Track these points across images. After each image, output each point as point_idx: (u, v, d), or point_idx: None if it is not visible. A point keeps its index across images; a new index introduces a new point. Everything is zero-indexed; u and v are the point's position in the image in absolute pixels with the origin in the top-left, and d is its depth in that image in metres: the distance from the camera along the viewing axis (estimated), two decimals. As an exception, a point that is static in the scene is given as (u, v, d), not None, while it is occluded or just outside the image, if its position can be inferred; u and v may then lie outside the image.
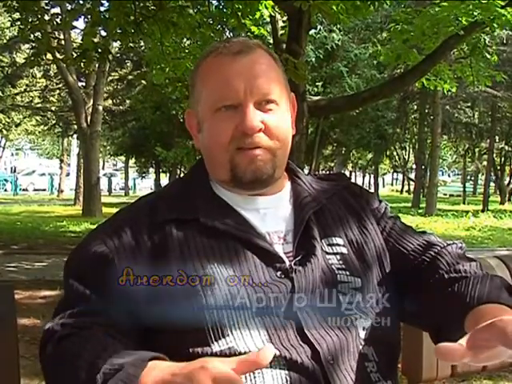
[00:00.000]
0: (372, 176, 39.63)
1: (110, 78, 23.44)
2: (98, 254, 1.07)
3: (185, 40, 8.97)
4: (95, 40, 7.83)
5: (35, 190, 33.26)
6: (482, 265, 1.16)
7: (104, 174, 32.52)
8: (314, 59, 18.93)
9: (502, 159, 32.93)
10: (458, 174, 58.13)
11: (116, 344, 0.96)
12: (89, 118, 17.15)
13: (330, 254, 1.13)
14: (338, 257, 1.13)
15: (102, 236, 1.10)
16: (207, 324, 1.00)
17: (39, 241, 11.40)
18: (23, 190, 32.17)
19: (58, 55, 8.66)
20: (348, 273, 1.11)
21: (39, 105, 27.07)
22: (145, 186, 35.20)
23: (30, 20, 7.81)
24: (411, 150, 34.01)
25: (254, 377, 0.98)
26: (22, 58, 22.26)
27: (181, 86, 8.53)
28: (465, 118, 28.15)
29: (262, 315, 1.02)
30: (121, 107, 25.87)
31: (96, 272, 1.06)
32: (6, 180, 33.27)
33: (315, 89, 19.38)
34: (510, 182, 32.74)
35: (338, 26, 18.01)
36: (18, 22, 8.02)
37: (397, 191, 47.00)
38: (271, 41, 9.86)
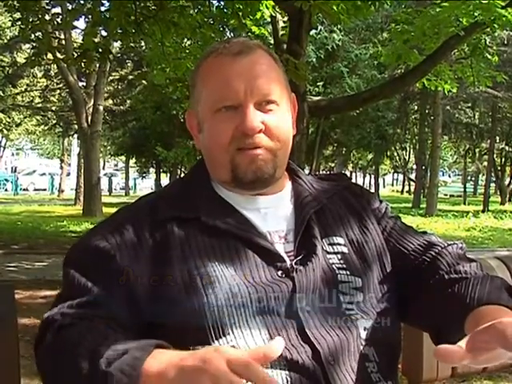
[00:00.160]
0: (372, 176, 39.62)
1: (111, 77, 23.45)
2: (99, 249, 1.07)
3: (185, 40, 8.97)
4: (96, 40, 7.84)
5: (36, 189, 33.26)
6: (483, 265, 1.15)
7: (104, 174, 32.53)
8: (314, 59, 18.95)
9: (503, 160, 32.93)
10: (458, 175, 58.09)
11: (117, 335, 0.95)
12: (89, 118, 17.15)
13: (330, 254, 1.13)
14: (339, 256, 1.13)
15: (103, 232, 1.10)
16: (208, 322, 1.00)
17: (40, 241, 11.40)
18: (24, 189, 32.16)
19: (58, 55, 8.67)
20: (348, 272, 1.11)
21: (40, 105, 27.08)
22: (145, 186, 35.19)
23: (30, 20, 7.81)
24: (412, 151, 34.00)
25: (255, 377, 0.98)
26: (23, 58, 22.30)
27: (181, 86, 8.54)
28: (465, 118, 28.15)
29: (263, 314, 1.02)
30: (121, 107, 25.89)
31: (97, 266, 1.05)
32: (6, 180, 33.26)
33: (316, 89, 19.38)
34: (510, 182, 32.73)
35: (339, 27, 18.02)
36: (19, 22, 8.02)
37: (397, 191, 47.00)
38: (272, 41, 9.87)
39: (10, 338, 1.31)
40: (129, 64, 24.78)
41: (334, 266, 1.11)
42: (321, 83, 20.20)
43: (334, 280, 1.10)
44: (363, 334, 1.07)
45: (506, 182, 32.60)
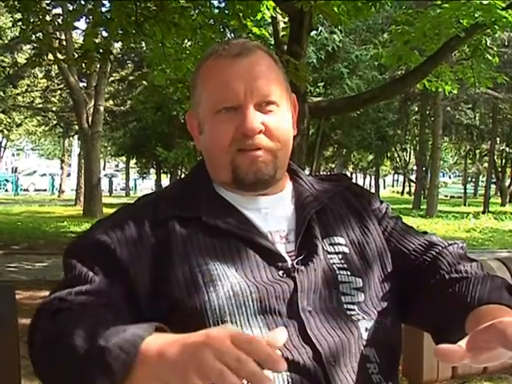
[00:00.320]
0: (373, 177, 39.63)
1: (111, 78, 23.44)
2: (100, 242, 1.07)
3: (186, 41, 8.97)
4: (96, 41, 7.85)
5: (36, 190, 33.27)
6: (483, 266, 1.15)
7: (105, 175, 32.54)
8: (315, 60, 18.94)
9: (503, 161, 32.95)
10: (458, 176, 58.11)
11: (117, 321, 0.92)
12: (90, 119, 17.16)
13: (331, 254, 1.13)
14: (340, 256, 1.13)
15: (104, 228, 1.10)
16: (209, 320, 1.00)
17: (40, 241, 11.40)
18: (24, 190, 32.16)
19: (59, 56, 8.67)
20: (349, 273, 1.11)
21: (40, 105, 27.11)
22: (146, 187, 35.19)
23: (31, 20, 7.82)
24: (412, 152, 34.00)
25: (256, 378, 0.98)
26: (24, 59, 22.27)
27: (182, 87, 8.55)
28: (466, 119, 28.15)
29: (265, 314, 1.02)
30: (122, 108, 25.91)
31: (97, 258, 1.05)
32: (7, 180, 33.29)
33: (316, 90, 19.38)
34: (510, 183, 32.73)
35: (339, 28, 18.01)
36: (20, 23, 8.02)
37: (397, 193, 47.02)
38: (272, 42, 9.87)
39: (10, 339, 1.31)
40: (129, 65, 24.80)
41: (334, 266, 1.11)
42: (321, 84, 20.19)
43: (335, 280, 1.10)
44: (364, 335, 1.06)
45: (507, 184, 32.59)
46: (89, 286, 1.01)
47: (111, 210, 1.18)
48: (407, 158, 35.17)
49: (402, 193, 44.45)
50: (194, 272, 1.03)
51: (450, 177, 61.67)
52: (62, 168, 30.61)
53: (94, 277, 1.02)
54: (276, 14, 8.24)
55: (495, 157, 29.31)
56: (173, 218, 1.10)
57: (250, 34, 8.19)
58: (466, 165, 35.97)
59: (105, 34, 8.25)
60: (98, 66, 15.12)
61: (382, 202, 1.28)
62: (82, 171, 19.47)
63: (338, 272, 1.11)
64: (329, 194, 1.22)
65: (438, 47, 8.25)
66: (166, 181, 31.57)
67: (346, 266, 1.12)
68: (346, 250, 1.15)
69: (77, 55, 8.21)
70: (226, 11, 8.11)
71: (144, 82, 18.35)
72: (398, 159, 33.74)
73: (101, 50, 7.71)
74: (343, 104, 9.51)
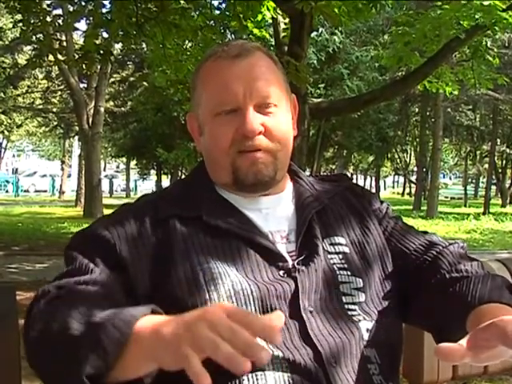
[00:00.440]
0: (373, 178, 39.62)
1: (112, 79, 23.45)
2: (100, 237, 1.07)
3: (186, 42, 8.98)
4: (97, 42, 7.85)
5: (36, 191, 33.27)
6: (483, 266, 1.15)
7: (105, 176, 32.54)
8: (315, 61, 18.95)
9: (504, 162, 32.93)
10: (459, 177, 58.08)
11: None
12: (90, 120, 17.16)
13: (332, 254, 1.13)
14: (340, 256, 1.13)
15: (105, 224, 1.10)
16: None
17: (40, 242, 11.40)
18: (24, 191, 32.17)
19: (59, 57, 8.68)
20: (349, 273, 1.11)
21: (41, 106, 27.14)
22: (146, 188, 35.16)
23: (31, 21, 7.83)
24: (412, 153, 33.99)
25: (257, 379, 0.97)
26: (24, 60, 22.31)
27: (182, 88, 8.55)
28: (466, 120, 28.14)
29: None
30: (122, 109, 25.93)
31: (97, 252, 1.05)
32: (7, 181, 33.29)
33: (317, 91, 19.39)
34: (511, 184, 32.70)
35: (340, 29, 18.02)
36: (20, 24, 8.03)
37: (398, 194, 46.98)
38: (273, 43, 9.87)
39: (11, 339, 1.31)
40: (130, 66, 24.82)
41: (335, 266, 1.11)
42: (322, 85, 20.20)
43: (335, 281, 1.10)
44: (365, 336, 1.06)
45: (507, 185, 32.56)
46: (88, 276, 1.00)
47: (111, 211, 1.18)
48: (407, 159, 35.16)
49: (403, 194, 44.41)
50: (195, 270, 1.03)
51: (450, 178, 61.63)
52: (62, 169, 30.63)
53: (95, 268, 1.02)
54: (276, 15, 8.24)
55: (496, 158, 29.29)
56: (173, 217, 1.10)
57: (250, 35, 8.20)
58: (467, 166, 35.94)
59: (105, 35, 8.26)
60: (99, 67, 15.15)
61: (382, 202, 1.28)
62: (83, 172, 19.47)
63: (338, 272, 1.11)
64: (329, 195, 1.22)
65: (439, 48, 8.25)
66: (166, 182, 31.57)
67: (346, 266, 1.12)
68: (347, 250, 1.15)
69: (77, 56, 8.22)
70: (227, 12, 8.11)
71: (144, 83, 18.35)
72: (398, 160, 33.74)
73: (101, 51, 7.71)
74: (344, 105, 9.52)
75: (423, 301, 1.13)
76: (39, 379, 0.94)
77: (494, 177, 30.18)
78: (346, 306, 1.08)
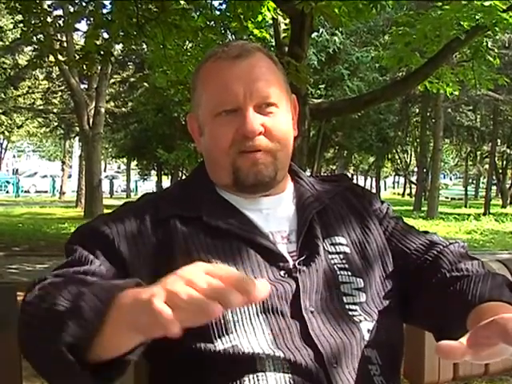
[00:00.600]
0: (374, 179, 39.62)
1: (112, 80, 23.46)
2: (99, 232, 1.07)
3: (187, 43, 8.98)
4: (97, 42, 7.85)
5: (37, 191, 33.27)
6: (484, 265, 1.15)
7: (106, 176, 32.54)
8: (315, 62, 18.95)
9: (504, 162, 32.93)
10: (459, 178, 58.06)
11: None
12: (91, 120, 17.16)
13: (332, 254, 1.13)
14: (341, 256, 1.13)
15: (105, 220, 1.11)
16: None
17: (41, 243, 11.41)
18: (25, 191, 32.17)
19: (60, 57, 8.66)
20: (350, 273, 1.11)
21: (41, 107, 27.14)
22: (146, 189, 35.15)
23: (32, 22, 7.82)
24: (413, 153, 33.99)
25: (258, 379, 0.98)
26: (25, 60, 22.34)
27: (183, 89, 8.56)
28: (467, 121, 28.13)
29: (267, 313, 1.02)
30: (123, 109, 25.93)
31: (97, 245, 1.05)
32: (7, 182, 33.28)
33: (317, 92, 19.39)
34: (511, 185, 32.69)
35: (340, 29, 18.03)
36: (21, 24, 8.03)
37: (398, 194, 46.96)
38: (273, 44, 9.87)
39: (11, 340, 1.31)
40: (130, 66, 24.84)
41: (335, 266, 1.11)
42: (322, 86, 20.20)
43: (336, 281, 1.10)
44: (366, 337, 1.06)
45: (508, 185, 32.57)
46: (88, 266, 1.00)
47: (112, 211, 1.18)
48: (408, 160, 35.16)
49: (403, 194, 44.39)
50: None
51: (450, 178, 61.62)
52: (62, 170, 30.65)
53: (95, 259, 1.02)
54: (277, 15, 8.24)
55: (496, 158, 29.28)
56: (174, 217, 1.10)
57: (250, 36, 8.19)
58: (467, 166, 35.92)
59: (106, 35, 8.25)
60: (99, 67, 15.16)
61: (382, 202, 1.28)
62: (83, 173, 19.48)
63: (339, 272, 1.11)
64: (330, 195, 1.22)
65: (439, 49, 8.25)
66: (166, 182, 31.55)
67: (347, 266, 1.12)
68: (347, 250, 1.15)
69: (78, 57, 8.20)
70: (227, 13, 8.11)
71: (145, 84, 18.37)
72: (398, 161, 33.74)
73: (102, 52, 7.71)
74: (344, 106, 9.53)
75: (424, 300, 1.13)
76: (40, 379, 0.93)
77: (494, 177, 30.18)
78: (346, 307, 1.08)
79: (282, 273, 1.07)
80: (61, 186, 30.73)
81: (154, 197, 1.20)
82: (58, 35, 12.84)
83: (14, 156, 55.98)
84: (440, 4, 7.98)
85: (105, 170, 39.93)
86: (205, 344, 0.99)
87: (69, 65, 9.78)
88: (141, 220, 1.10)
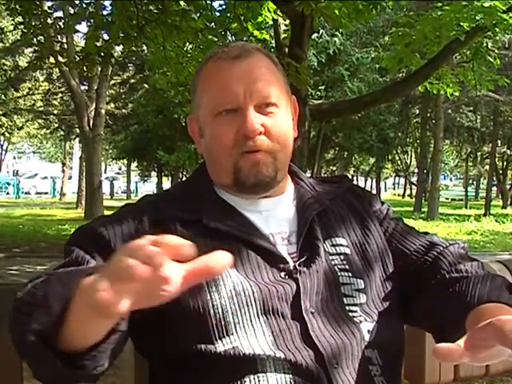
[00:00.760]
0: (374, 180, 39.62)
1: (113, 81, 23.49)
2: (97, 233, 1.07)
3: (187, 44, 8.99)
4: (98, 44, 7.85)
5: (37, 193, 33.26)
6: (484, 266, 1.15)
7: (106, 178, 32.55)
8: (315, 63, 18.96)
9: (504, 163, 32.92)
10: (459, 179, 58.08)
11: None
12: (91, 122, 17.17)
13: (333, 255, 1.13)
14: (342, 257, 1.13)
15: (103, 221, 1.11)
16: (211, 321, 1.00)
17: (41, 244, 11.41)
18: (25, 193, 32.16)
19: (60, 59, 8.67)
20: (350, 274, 1.11)
21: (42, 108, 27.17)
22: (147, 190, 35.11)
23: (32, 23, 7.83)
24: (413, 154, 33.99)
25: (259, 380, 0.98)
26: (25, 62, 22.38)
27: (183, 90, 8.56)
28: (467, 122, 28.14)
29: (267, 315, 1.02)
30: (123, 111, 25.96)
31: (94, 246, 1.05)
32: (8, 183, 33.28)
33: (317, 93, 19.40)
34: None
35: (340, 30, 18.04)
36: (21, 26, 8.04)
37: (399, 195, 46.96)
38: (273, 45, 9.88)
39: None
40: (131, 68, 24.86)
41: (336, 267, 1.11)
42: (322, 87, 20.22)
43: (336, 282, 1.10)
44: (367, 337, 1.06)
45: (508, 186, 32.57)
46: (84, 266, 1.00)
47: (112, 213, 1.19)
48: (408, 161, 35.15)
49: (403, 195, 44.39)
50: None
51: (451, 179, 61.63)
52: (63, 171, 30.67)
53: (91, 260, 1.02)
54: (277, 16, 8.25)
55: (496, 159, 29.28)
56: (173, 218, 1.10)
57: (251, 37, 8.20)
58: (467, 167, 35.93)
59: (106, 37, 8.25)
60: (99, 69, 15.16)
61: (383, 203, 1.28)
62: (84, 174, 19.50)
63: (339, 273, 1.11)
64: (330, 196, 1.22)
65: (439, 50, 8.25)
66: (167, 184, 31.57)
67: (347, 267, 1.12)
68: (348, 251, 1.15)
69: (78, 58, 8.21)
70: (227, 14, 8.12)
71: (145, 86, 18.42)
72: (399, 162, 33.74)
73: (102, 53, 7.73)
74: (344, 107, 9.54)
75: (423, 301, 1.13)
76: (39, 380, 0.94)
77: (494, 178, 30.17)
78: (347, 308, 1.08)
79: (283, 274, 1.07)
80: (61, 188, 30.75)
81: (154, 198, 1.20)
82: (59, 37, 12.84)
83: (15, 157, 55.99)
84: (440, 5, 7.98)
85: (105, 172, 39.94)
86: (205, 345, 0.99)
87: (69, 66, 9.78)
88: (139, 221, 1.10)
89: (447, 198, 38.66)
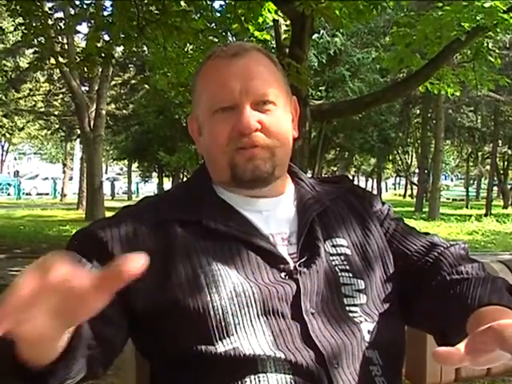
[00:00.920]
0: (375, 180, 39.62)
1: (113, 82, 23.51)
2: (94, 236, 1.07)
3: (188, 45, 9.00)
4: (98, 44, 7.85)
5: (38, 194, 33.30)
6: (485, 267, 1.15)
7: (107, 179, 32.57)
8: (316, 64, 18.97)
9: (505, 163, 32.90)
10: (460, 179, 58.03)
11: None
12: (92, 123, 17.18)
13: (333, 255, 1.13)
14: (342, 257, 1.13)
15: (102, 224, 1.10)
16: (212, 321, 1.00)
17: (42, 245, 11.41)
18: (26, 194, 32.20)
19: (61, 59, 8.67)
20: (351, 274, 1.11)
21: (42, 109, 27.21)
22: (148, 191, 35.14)
23: (33, 24, 7.83)
24: (414, 155, 33.98)
25: (259, 381, 0.98)
26: (26, 63, 22.36)
27: (184, 91, 8.57)
28: (468, 122, 28.14)
29: (267, 315, 1.02)
30: (124, 111, 25.99)
31: (92, 250, 1.04)
32: (9, 184, 33.31)
33: (318, 93, 19.41)
34: (513, 186, 32.70)
35: (341, 31, 18.04)
36: (22, 27, 8.04)
37: (400, 195, 46.95)
38: (274, 45, 9.88)
39: (12, 342, 1.31)
40: (131, 68, 24.87)
41: (336, 267, 1.11)
42: (323, 87, 20.23)
43: (337, 282, 1.10)
44: (367, 337, 1.06)
45: (509, 186, 32.55)
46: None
47: (113, 214, 1.19)
48: (409, 161, 35.14)
49: (404, 195, 44.38)
50: (196, 272, 1.03)
51: (452, 179, 61.56)
52: (64, 172, 30.71)
53: (87, 263, 1.01)
54: (278, 17, 8.25)
55: (497, 159, 29.29)
56: (174, 220, 1.10)
57: (251, 38, 8.20)
58: (468, 167, 35.91)
59: (107, 37, 8.26)
60: (100, 69, 15.16)
61: (383, 204, 1.28)
62: (84, 175, 19.52)
63: (339, 274, 1.11)
64: (330, 196, 1.22)
65: (440, 50, 8.25)
66: (168, 184, 31.56)
67: (347, 267, 1.12)
68: (348, 251, 1.14)
69: (79, 59, 8.21)
70: (228, 15, 8.12)
71: (146, 86, 18.42)
72: (399, 162, 33.73)
73: (103, 54, 7.73)
74: (345, 107, 9.53)
75: (424, 303, 1.12)
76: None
77: (495, 178, 30.17)
78: (347, 308, 1.08)
79: (283, 275, 1.07)
80: (62, 189, 30.77)
81: (154, 199, 1.20)
82: (59, 37, 12.85)
83: (16, 158, 56.02)
84: (441, 5, 7.98)
85: (106, 172, 39.94)
86: (206, 346, 0.99)
87: (70, 67, 9.79)
88: (139, 223, 1.09)
89: (448, 198, 38.63)
